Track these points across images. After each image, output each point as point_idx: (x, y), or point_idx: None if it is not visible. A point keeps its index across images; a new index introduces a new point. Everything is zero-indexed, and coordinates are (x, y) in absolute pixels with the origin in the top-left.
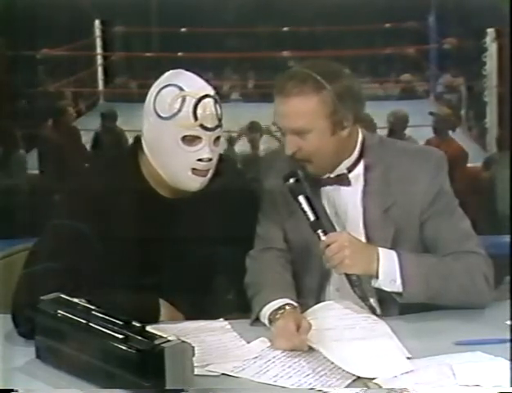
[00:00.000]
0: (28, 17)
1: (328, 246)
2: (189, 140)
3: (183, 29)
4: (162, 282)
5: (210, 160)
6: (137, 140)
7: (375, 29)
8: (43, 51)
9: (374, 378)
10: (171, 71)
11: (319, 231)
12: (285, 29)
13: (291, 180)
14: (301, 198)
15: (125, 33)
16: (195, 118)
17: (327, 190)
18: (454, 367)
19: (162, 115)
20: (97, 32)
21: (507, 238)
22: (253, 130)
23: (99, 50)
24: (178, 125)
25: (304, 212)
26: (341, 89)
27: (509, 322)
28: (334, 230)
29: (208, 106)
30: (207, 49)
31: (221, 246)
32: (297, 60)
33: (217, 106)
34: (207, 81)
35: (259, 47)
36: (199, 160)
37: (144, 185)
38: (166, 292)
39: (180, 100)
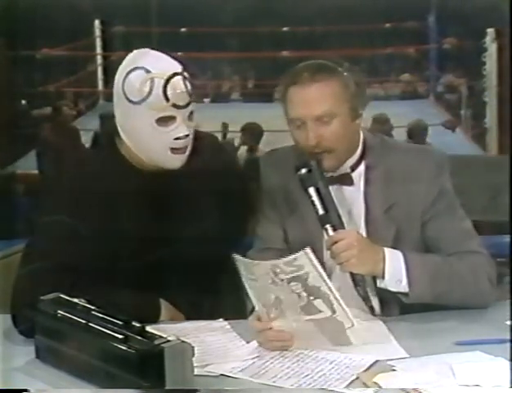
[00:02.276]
0: (27, 17)
1: (335, 242)
2: (163, 121)
3: (183, 29)
4: (155, 268)
5: (187, 136)
6: (113, 125)
7: (375, 28)
8: (43, 51)
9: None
10: (136, 51)
11: (327, 225)
12: (285, 28)
13: (303, 170)
14: (311, 190)
15: (125, 32)
16: (167, 99)
17: (330, 189)
18: (453, 366)
19: (132, 99)
20: (97, 32)
21: (507, 238)
22: (247, 132)
23: (99, 50)
24: (150, 108)
25: (314, 205)
26: (351, 76)
27: (509, 323)
28: (343, 227)
29: (178, 85)
30: (206, 49)
31: (212, 228)
32: (297, 60)
33: (187, 83)
34: (174, 58)
35: (259, 47)
36: (177, 138)
37: (127, 166)
38: (163, 280)
39: (148, 83)
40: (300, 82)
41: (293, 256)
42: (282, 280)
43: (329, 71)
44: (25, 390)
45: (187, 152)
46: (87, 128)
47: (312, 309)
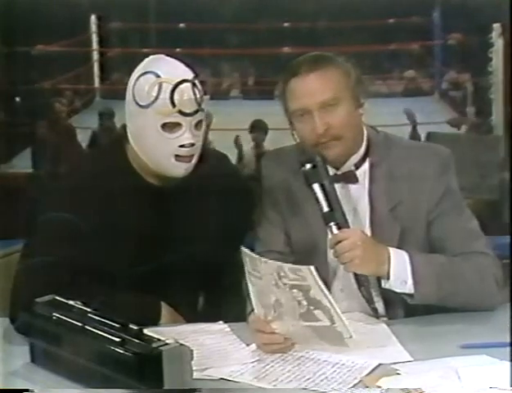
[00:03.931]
0: (22, 13)
1: (339, 241)
2: (169, 127)
3: (181, 25)
4: (154, 272)
5: (193, 145)
6: (123, 129)
7: (379, 24)
8: (38, 47)
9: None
10: (151, 57)
11: (332, 223)
12: (286, 24)
13: (308, 166)
14: (316, 186)
15: (122, 28)
16: (173, 104)
17: (335, 187)
18: (459, 370)
19: (140, 103)
20: (93, 28)
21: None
22: (257, 129)
23: (95, 46)
24: (157, 113)
25: (318, 201)
26: (351, 65)
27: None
28: (347, 225)
29: (186, 91)
30: (206, 45)
31: (213, 242)
32: (298, 56)
33: (196, 90)
34: (188, 66)
35: (259, 43)
36: (182, 146)
37: (131, 173)
38: (159, 284)
39: (157, 87)
40: (300, 73)
41: (297, 266)
42: (285, 284)
43: (328, 60)
44: (26, 390)
45: (193, 161)
46: (83, 126)
47: (311, 316)
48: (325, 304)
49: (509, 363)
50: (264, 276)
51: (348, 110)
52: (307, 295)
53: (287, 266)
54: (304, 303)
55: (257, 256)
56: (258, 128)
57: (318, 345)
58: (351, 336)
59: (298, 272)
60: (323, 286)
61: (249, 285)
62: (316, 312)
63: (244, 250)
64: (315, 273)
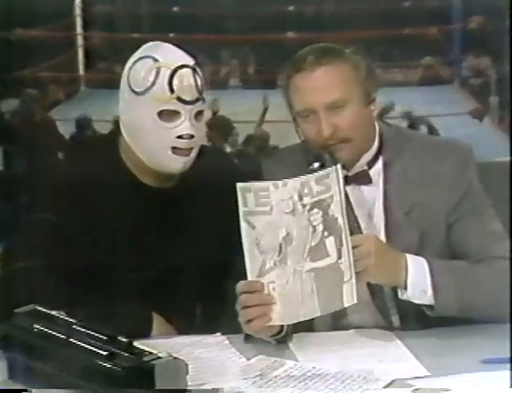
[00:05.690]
0: None
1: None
2: (166, 115)
3: (175, 8)
4: (148, 280)
5: (192, 137)
6: (116, 124)
7: (393, 7)
8: (17, 31)
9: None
10: (148, 43)
11: None
12: (290, 8)
13: (315, 165)
14: None
15: (109, 11)
16: (171, 90)
17: (347, 190)
18: (479, 386)
19: (136, 89)
20: (77, 10)
21: None
22: (214, 127)
23: (79, 30)
24: (154, 99)
25: None
26: (360, 57)
27: None
28: (360, 230)
29: (186, 77)
30: (202, 31)
31: (211, 246)
32: (303, 43)
33: (197, 77)
34: (187, 52)
35: (260, 29)
36: (179, 137)
37: (124, 173)
38: (153, 293)
39: (154, 72)
40: (305, 68)
41: (324, 171)
42: (304, 206)
43: (336, 53)
44: (25, 390)
45: (191, 155)
46: (67, 118)
47: (320, 251)
48: (340, 224)
49: None
50: (276, 206)
51: (358, 110)
52: (326, 212)
53: (314, 177)
54: (320, 228)
55: (269, 182)
56: (215, 127)
57: (309, 308)
58: (351, 278)
59: (325, 179)
60: (343, 192)
61: (246, 233)
62: (328, 241)
63: (246, 184)
64: (340, 172)
